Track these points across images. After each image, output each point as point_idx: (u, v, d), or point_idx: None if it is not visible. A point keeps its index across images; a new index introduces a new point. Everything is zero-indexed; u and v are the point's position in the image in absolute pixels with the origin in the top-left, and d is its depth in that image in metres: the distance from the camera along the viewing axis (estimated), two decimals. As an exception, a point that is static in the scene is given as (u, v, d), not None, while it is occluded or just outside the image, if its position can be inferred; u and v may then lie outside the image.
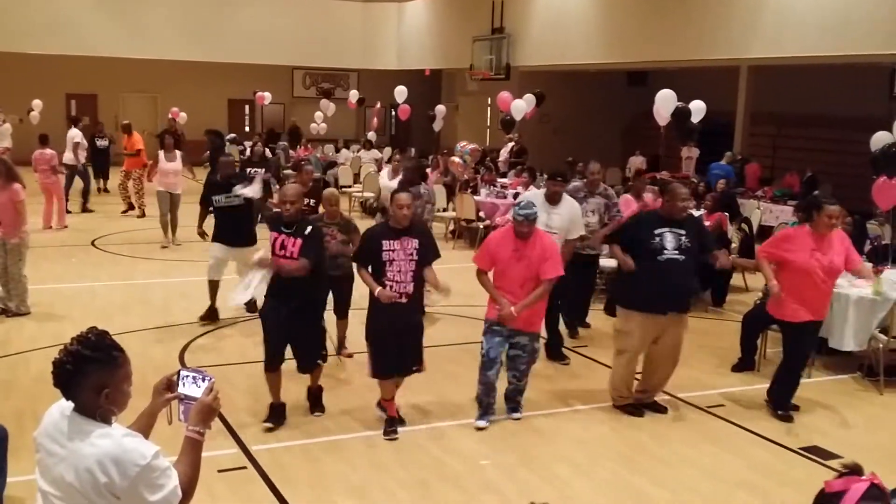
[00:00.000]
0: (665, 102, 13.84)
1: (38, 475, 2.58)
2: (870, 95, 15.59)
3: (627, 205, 9.56)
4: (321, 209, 7.63)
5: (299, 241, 5.79)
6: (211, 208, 8.76)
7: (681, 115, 13.75)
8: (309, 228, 5.88)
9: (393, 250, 5.63)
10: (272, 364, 5.96)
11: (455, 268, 8.72)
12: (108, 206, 16.63)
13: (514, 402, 6.32)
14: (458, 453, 5.70)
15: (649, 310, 6.17)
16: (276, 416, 5.99)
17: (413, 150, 20.10)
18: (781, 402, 6.48)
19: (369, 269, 5.77)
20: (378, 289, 5.61)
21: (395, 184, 11.12)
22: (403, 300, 5.65)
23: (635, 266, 6.13)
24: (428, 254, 5.75)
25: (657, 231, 6.14)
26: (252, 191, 8.53)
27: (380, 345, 5.79)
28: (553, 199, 7.14)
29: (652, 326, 6.21)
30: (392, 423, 5.90)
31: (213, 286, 8.64)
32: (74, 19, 22.23)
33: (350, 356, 7.49)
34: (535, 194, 7.60)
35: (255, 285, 6.45)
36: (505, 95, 17.99)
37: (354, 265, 5.90)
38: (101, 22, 22.53)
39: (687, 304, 6.42)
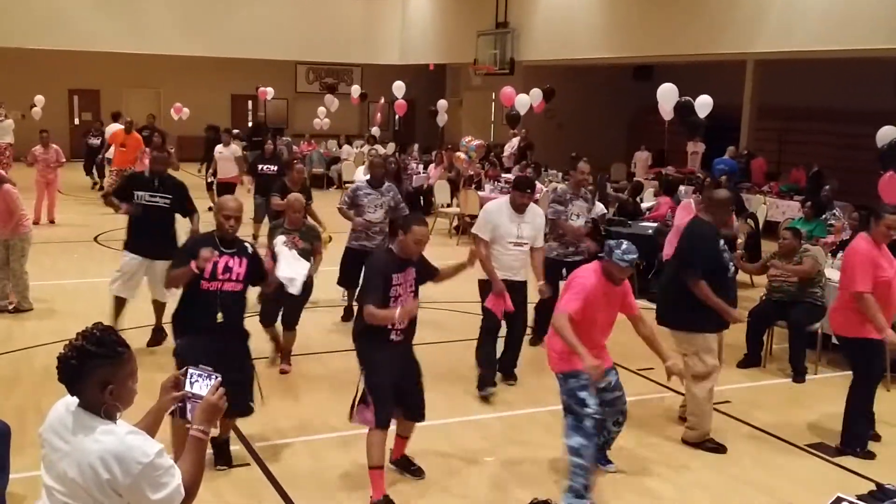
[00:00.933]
0: (667, 97, 13.78)
1: (43, 471, 2.58)
2: (876, 90, 15.51)
3: (687, 212, 8.55)
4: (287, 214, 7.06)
5: (244, 260, 5.07)
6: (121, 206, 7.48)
7: (683, 109, 13.68)
8: (249, 247, 5.19)
9: (399, 284, 4.85)
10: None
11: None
12: (96, 202, 16.60)
13: (606, 450, 5.44)
14: (462, 449, 5.68)
15: (720, 328, 5.81)
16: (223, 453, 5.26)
17: (417, 146, 20.09)
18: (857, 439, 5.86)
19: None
20: (398, 310, 4.73)
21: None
22: (400, 338, 4.91)
23: (706, 283, 5.54)
24: (427, 273, 5.13)
25: (721, 246, 5.72)
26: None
27: (384, 392, 4.85)
28: (521, 209, 6.75)
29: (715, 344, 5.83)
30: None
31: (120, 304, 7.50)
32: (76, 14, 22.20)
33: (287, 372, 7.03)
34: (499, 203, 6.90)
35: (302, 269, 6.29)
36: (508, 90, 17.93)
37: (365, 308, 4.79)
38: (103, 17, 22.49)
39: None
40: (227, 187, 13.45)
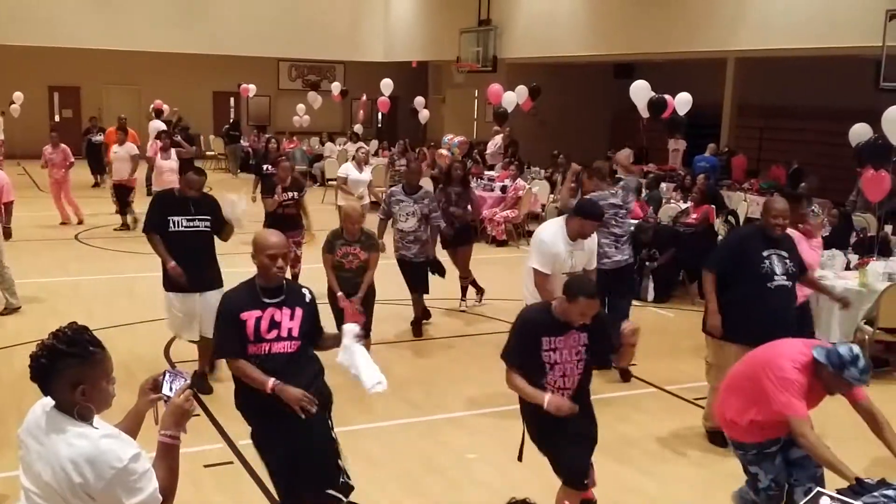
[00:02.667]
0: (640, 94, 13.84)
1: (21, 472, 2.55)
2: (856, 88, 15.62)
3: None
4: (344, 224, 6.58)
5: (299, 311, 3.98)
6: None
7: (655, 106, 13.74)
8: (306, 293, 4.12)
9: (555, 349, 4.11)
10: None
11: (444, 260, 8.72)
12: (95, 200, 16.50)
13: None
14: (446, 447, 5.70)
15: (750, 342, 5.10)
16: None
17: (402, 142, 20.07)
18: None
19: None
20: (547, 396, 4.06)
21: (364, 176, 10.96)
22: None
23: (738, 292, 5.29)
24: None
25: (765, 253, 5.38)
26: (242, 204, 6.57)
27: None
28: (584, 237, 5.87)
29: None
30: None
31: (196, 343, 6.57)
32: (57, 10, 22.01)
33: None
34: (554, 230, 5.94)
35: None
36: (496, 88, 17.96)
37: (507, 369, 4.17)
38: (83, 13, 22.31)
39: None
40: (121, 191, 13.14)
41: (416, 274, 8.07)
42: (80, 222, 13.71)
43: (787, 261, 5.41)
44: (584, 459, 4.33)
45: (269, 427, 4.00)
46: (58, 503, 2.42)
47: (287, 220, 8.60)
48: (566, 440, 4.19)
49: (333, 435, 4.14)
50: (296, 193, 8.78)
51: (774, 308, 5.33)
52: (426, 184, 15.25)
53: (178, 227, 6.31)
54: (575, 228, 5.76)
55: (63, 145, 13.90)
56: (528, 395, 4.11)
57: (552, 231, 5.92)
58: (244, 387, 4.01)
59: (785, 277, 5.38)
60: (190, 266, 6.31)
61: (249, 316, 3.90)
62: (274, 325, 3.92)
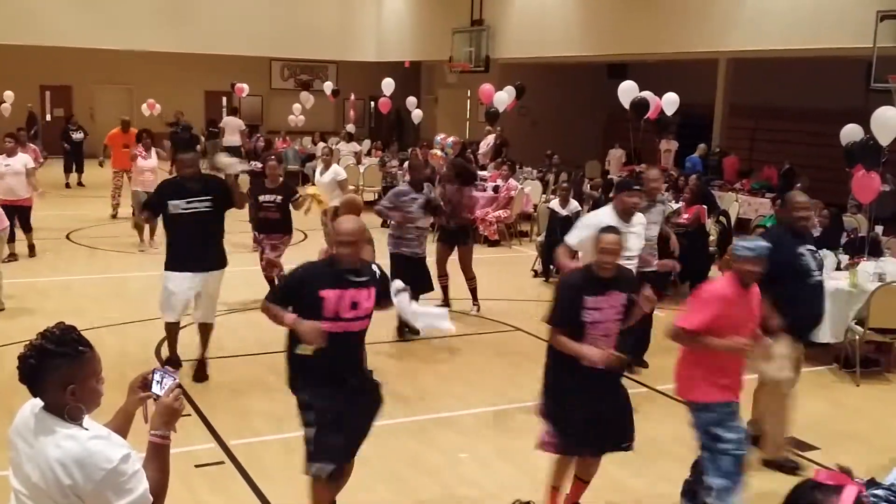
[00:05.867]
0: (628, 95, 13.88)
1: (11, 474, 2.54)
2: (847, 88, 15.69)
3: None
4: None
5: (373, 289, 4.17)
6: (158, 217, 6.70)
7: (638, 106, 13.79)
8: (376, 269, 4.30)
9: (598, 308, 4.31)
10: (336, 475, 4.25)
11: (434, 261, 8.73)
12: (81, 199, 16.46)
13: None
14: (436, 447, 5.70)
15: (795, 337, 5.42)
16: None
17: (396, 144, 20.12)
18: None
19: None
20: (589, 348, 4.28)
21: (326, 178, 10.83)
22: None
23: (780, 291, 5.10)
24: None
25: (799, 250, 5.41)
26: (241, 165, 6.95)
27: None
28: (631, 212, 6.02)
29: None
30: None
31: (172, 330, 6.71)
32: (47, 9, 21.91)
33: None
34: (602, 216, 6.02)
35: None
36: (487, 88, 17.97)
37: (552, 331, 4.41)
38: (74, 12, 22.21)
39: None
40: (13, 212, 10.08)
41: (421, 270, 8.04)
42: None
43: (817, 255, 5.52)
44: (587, 438, 4.42)
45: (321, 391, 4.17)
46: None
47: (267, 223, 8.54)
48: (582, 414, 4.34)
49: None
50: (279, 197, 8.55)
51: (815, 303, 5.45)
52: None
53: (177, 209, 6.35)
54: (621, 204, 5.99)
55: (33, 145, 13.74)
56: (574, 350, 4.26)
57: (600, 216, 6.03)
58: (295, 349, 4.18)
59: (819, 273, 5.47)
60: (191, 247, 6.38)
61: (325, 294, 4.02)
62: (354, 305, 4.07)
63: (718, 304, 4.35)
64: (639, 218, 6.29)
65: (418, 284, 7.94)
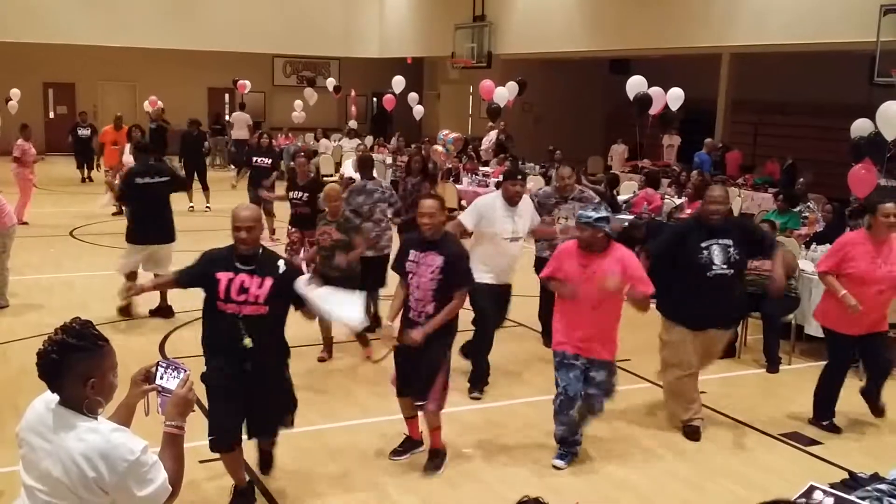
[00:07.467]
0: (635, 90, 13.87)
1: (23, 471, 2.56)
2: (850, 83, 15.66)
3: None
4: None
5: (269, 280, 4.36)
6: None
7: (642, 102, 13.78)
8: (282, 266, 4.47)
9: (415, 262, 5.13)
10: (225, 441, 4.54)
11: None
12: (84, 196, 16.47)
13: (570, 449, 5.39)
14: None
15: (693, 326, 5.72)
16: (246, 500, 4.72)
17: (399, 139, 20.11)
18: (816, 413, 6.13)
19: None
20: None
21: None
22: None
23: (681, 281, 5.57)
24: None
25: (704, 244, 5.55)
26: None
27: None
28: (515, 200, 6.53)
29: (695, 340, 5.78)
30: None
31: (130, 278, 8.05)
32: (51, 7, 21.93)
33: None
34: (492, 198, 6.71)
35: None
36: (488, 84, 17.96)
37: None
38: (78, 9, 22.23)
39: (734, 321, 6.21)
40: None
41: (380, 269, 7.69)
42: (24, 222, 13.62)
43: (731, 249, 5.55)
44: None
45: (218, 364, 4.56)
46: (68, 498, 2.44)
47: (301, 218, 8.65)
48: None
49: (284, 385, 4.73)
50: (306, 194, 8.70)
51: (711, 295, 5.57)
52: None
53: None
54: (505, 191, 6.53)
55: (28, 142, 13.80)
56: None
57: (489, 198, 6.72)
58: (205, 326, 4.63)
59: (726, 266, 5.55)
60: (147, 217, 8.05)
61: (215, 277, 4.39)
62: (242, 290, 4.35)
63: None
64: (525, 203, 6.72)
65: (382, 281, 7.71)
